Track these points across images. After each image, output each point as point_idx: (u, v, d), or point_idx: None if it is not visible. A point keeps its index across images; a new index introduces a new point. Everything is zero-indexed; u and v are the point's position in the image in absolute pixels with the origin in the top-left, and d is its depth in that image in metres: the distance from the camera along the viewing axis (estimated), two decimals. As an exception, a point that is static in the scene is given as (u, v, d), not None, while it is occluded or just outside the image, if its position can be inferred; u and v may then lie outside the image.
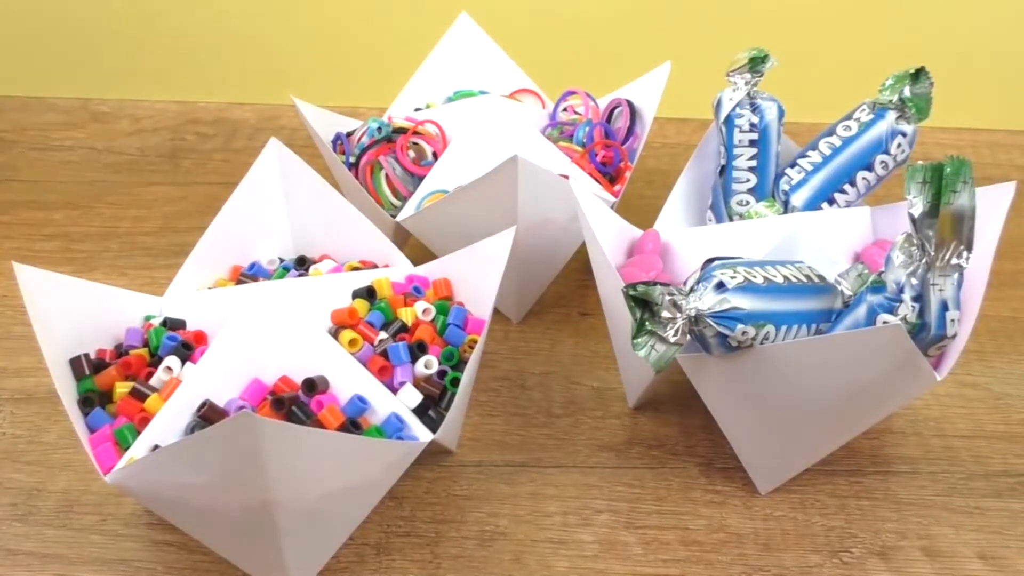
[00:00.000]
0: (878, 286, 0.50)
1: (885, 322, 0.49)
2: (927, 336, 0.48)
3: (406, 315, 0.58)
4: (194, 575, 0.53)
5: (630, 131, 0.75)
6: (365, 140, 0.72)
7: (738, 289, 0.49)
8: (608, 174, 0.72)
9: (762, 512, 0.57)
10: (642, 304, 0.49)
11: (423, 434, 0.52)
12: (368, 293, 0.59)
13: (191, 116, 0.98)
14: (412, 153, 0.73)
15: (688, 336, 0.50)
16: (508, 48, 0.83)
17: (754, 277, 0.50)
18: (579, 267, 0.75)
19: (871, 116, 0.65)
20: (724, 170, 0.67)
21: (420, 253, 0.71)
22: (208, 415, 0.50)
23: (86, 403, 0.52)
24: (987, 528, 0.56)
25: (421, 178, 0.71)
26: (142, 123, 0.96)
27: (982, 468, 0.60)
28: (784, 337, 0.51)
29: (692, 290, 0.50)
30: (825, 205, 0.65)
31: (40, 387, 0.64)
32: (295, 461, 0.44)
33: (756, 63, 0.66)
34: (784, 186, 0.66)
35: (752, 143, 0.66)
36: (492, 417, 0.63)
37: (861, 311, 0.50)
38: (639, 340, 0.49)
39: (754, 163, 0.66)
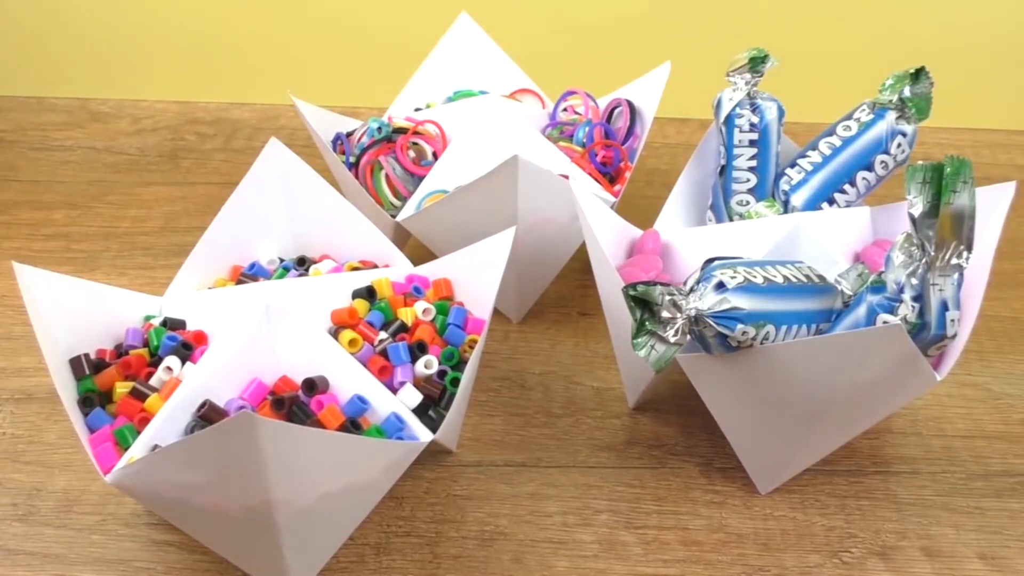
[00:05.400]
0: (878, 286, 0.50)
1: (885, 322, 0.49)
2: (927, 336, 0.48)
3: (406, 315, 0.58)
4: (194, 575, 0.53)
5: (630, 131, 0.75)
6: (365, 140, 0.72)
7: (738, 289, 0.49)
8: (608, 174, 0.72)
9: (762, 512, 0.57)
10: (642, 304, 0.49)
11: (423, 434, 0.52)
12: (368, 293, 0.59)
13: (191, 116, 0.98)
14: (412, 153, 0.73)
15: (688, 336, 0.50)
16: (508, 48, 0.83)
17: (754, 277, 0.50)
18: (579, 267, 0.75)
19: (871, 116, 0.65)
20: (724, 170, 0.67)
21: (420, 253, 0.71)
22: (208, 415, 0.50)
23: (86, 403, 0.52)
24: (987, 528, 0.56)
25: (421, 178, 0.71)
26: (142, 123, 0.96)
27: (982, 468, 0.60)
28: (784, 337, 0.51)
29: (692, 290, 0.50)
30: (825, 205, 0.65)
31: (40, 387, 0.64)
32: (295, 461, 0.44)
33: (756, 63, 0.66)
34: (784, 186, 0.66)
35: (752, 143, 0.66)
36: (492, 417, 0.63)
37: (861, 311, 0.50)
38: (639, 340, 0.49)
39: (754, 163, 0.66)
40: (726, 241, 0.60)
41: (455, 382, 0.55)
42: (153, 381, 0.53)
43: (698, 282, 0.51)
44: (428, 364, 0.55)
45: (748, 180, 0.66)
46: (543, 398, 0.65)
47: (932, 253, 0.47)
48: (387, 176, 0.71)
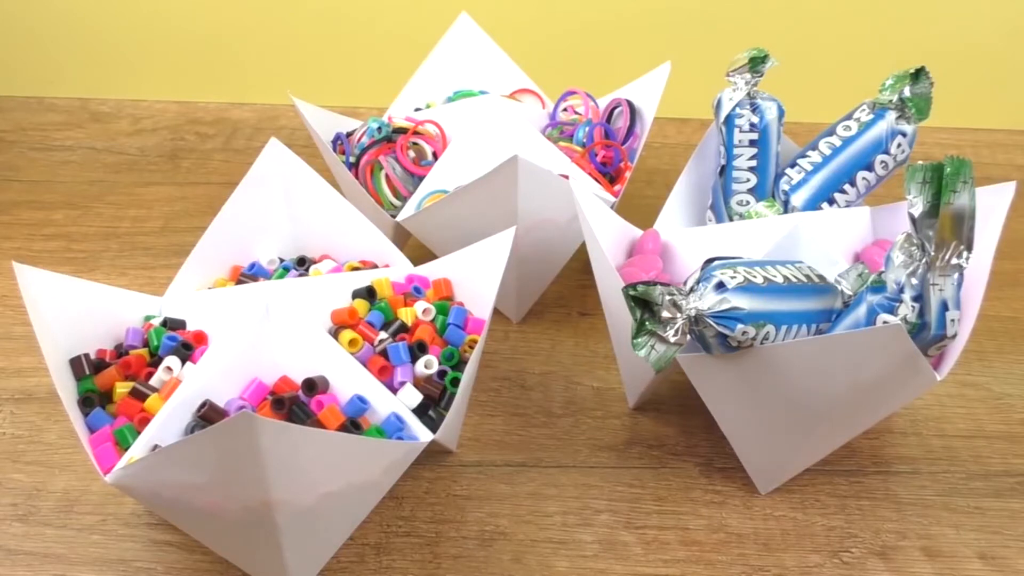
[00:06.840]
0: (878, 286, 0.50)
1: (885, 322, 0.49)
2: (927, 336, 0.48)
3: (406, 315, 0.58)
4: (194, 575, 0.53)
5: (630, 131, 0.75)
6: (365, 140, 0.72)
7: (738, 289, 0.49)
8: (608, 174, 0.72)
9: (762, 512, 0.57)
10: (642, 304, 0.49)
11: (423, 434, 0.52)
12: (368, 293, 0.59)
13: (191, 116, 0.98)
14: (412, 153, 0.73)
15: (688, 336, 0.50)
16: (508, 48, 0.83)
17: (754, 277, 0.50)
18: (579, 267, 0.75)
19: (871, 116, 0.65)
20: (724, 170, 0.67)
21: (420, 253, 0.71)
22: (208, 415, 0.50)
23: (86, 403, 0.52)
24: (987, 528, 0.56)
25: (421, 178, 0.71)
26: (142, 123, 0.96)
27: (982, 468, 0.60)
28: (784, 337, 0.51)
29: (692, 290, 0.50)
30: (825, 205, 0.65)
31: (40, 387, 0.64)
32: (295, 461, 0.44)
33: (756, 63, 0.66)
34: (784, 186, 0.66)
35: (752, 143, 0.66)
36: (492, 417, 0.63)
37: (861, 311, 0.50)
38: (639, 340, 0.49)
39: (754, 163, 0.66)
40: (726, 241, 0.60)
41: (455, 382, 0.55)
42: (153, 381, 0.53)
43: (698, 282, 0.51)
44: (428, 364, 0.55)
45: (748, 180, 0.66)
46: (543, 398, 0.65)
47: (932, 253, 0.47)
48: (387, 176, 0.71)
